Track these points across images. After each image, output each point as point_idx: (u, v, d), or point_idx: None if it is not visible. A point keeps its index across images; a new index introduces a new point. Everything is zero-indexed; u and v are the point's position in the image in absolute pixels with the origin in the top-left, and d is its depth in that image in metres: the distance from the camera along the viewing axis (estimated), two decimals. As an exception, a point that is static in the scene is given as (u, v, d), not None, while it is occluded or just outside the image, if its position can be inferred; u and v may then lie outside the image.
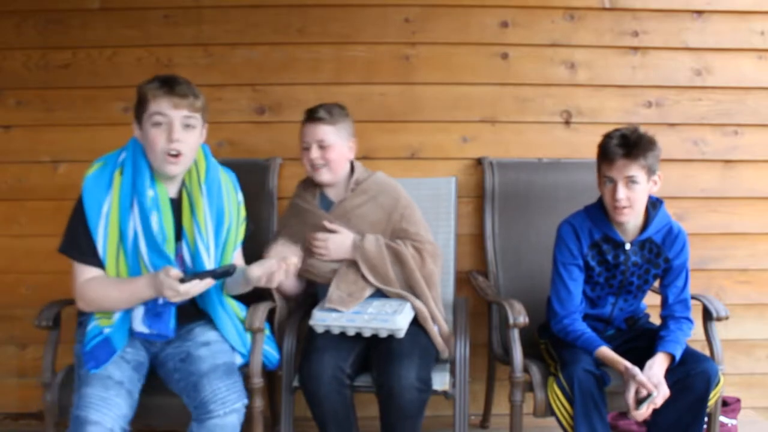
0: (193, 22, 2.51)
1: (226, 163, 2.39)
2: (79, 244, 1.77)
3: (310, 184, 2.16)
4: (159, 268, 1.72)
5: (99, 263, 1.77)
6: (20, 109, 2.53)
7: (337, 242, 2.03)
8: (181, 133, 1.74)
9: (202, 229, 1.82)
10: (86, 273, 1.77)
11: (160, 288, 1.67)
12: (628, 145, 1.87)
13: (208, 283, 1.72)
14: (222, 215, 1.87)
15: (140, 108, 1.76)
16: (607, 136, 1.94)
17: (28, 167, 2.54)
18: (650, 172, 1.90)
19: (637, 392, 1.79)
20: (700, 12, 2.56)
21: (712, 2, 2.56)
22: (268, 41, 2.52)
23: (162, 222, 1.77)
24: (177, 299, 1.69)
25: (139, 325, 1.78)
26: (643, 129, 1.93)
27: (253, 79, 2.53)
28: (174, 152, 1.74)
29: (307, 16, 2.52)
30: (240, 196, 1.96)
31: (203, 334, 1.85)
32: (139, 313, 1.77)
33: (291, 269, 1.79)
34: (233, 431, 1.72)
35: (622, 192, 1.88)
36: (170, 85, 1.74)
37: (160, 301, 1.75)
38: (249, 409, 1.86)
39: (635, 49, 2.57)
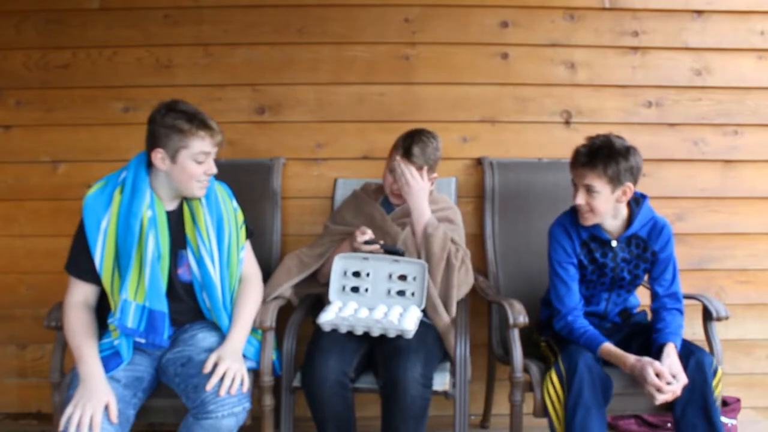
0: (193, 22, 2.51)
1: (228, 164, 2.41)
2: (78, 261, 1.85)
3: (377, 187, 2.27)
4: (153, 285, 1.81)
5: (95, 279, 1.84)
6: (20, 109, 2.53)
7: (417, 189, 2.09)
8: (213, 165, 1.89)
9: (204, 237, 1.90)
10: (78, 291, 1.86)
11: None
12: (589, 154, 1.90)
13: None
14: (222, 222, 1.93)
15: (177, 143, 1.81)
16: (584, 143, 1.96)
17: (28, 167, 2.54)
18: (615, 182, 1.89)
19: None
20: (700, 12, 2.56)
21: (712, 2, 2.56)
22: (268, 41, 2.53)
23: (158, 239, 1.83)
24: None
25: (136, 336, 1.83)
26: (619, 139, 1.92)
27: (253, 79, 2.53)
28: (206, 180, 1.89)
29: (306, 16, 2.52)
30: (235, 203, 2.02)
31: (205, 339, 1.88)
32: (134, 324, 1.80)
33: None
34: None
35: (580, 198, 1.93)
36: (208, 125, 1.84)
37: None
38: (260, 406, 1.89)
39: (635, 49, 2.57)
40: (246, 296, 1.97)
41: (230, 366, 1.75)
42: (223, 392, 1.69)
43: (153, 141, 1.82)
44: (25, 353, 2.62)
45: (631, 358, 1.83)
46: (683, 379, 1.80)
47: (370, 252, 2.06)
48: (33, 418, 2.61)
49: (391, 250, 2.06)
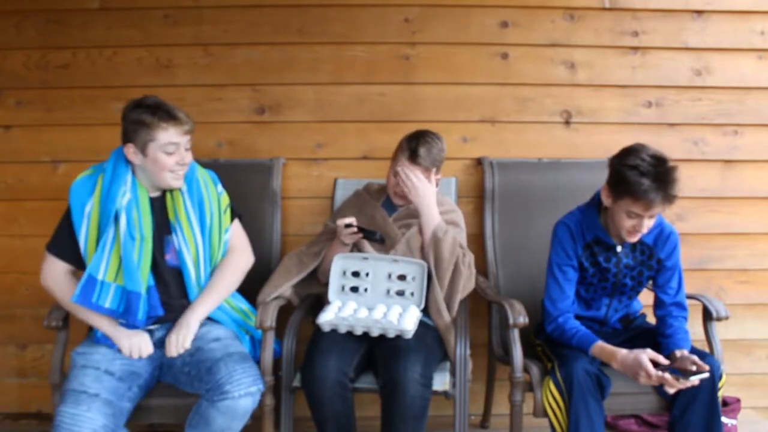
0: (193, 22, 2.51)
1: (228, 164, 2.42)
2: (60, 242, 1.92)
3: (379, 187, 2.27)
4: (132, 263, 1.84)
5: (77, 262, 1.90)
6: (20, 109, 2.53)
7: (425, 192, 2.08)
8: (186, 155, 1.91)
9: (183, 222, 1.93)
10: (57, 266, 1.91)
11: None
12: (665, 189, 1.77)
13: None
14: (203, 205, 1.97)
15: (144, 137, 1.85)
16: (636, 169, 1.78)
17: (28, 167, 2.54)
18: None
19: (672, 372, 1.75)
20: (700, 12, 2.56)
21: (712, 2, 2.56)
22: (267, 41, 2.52)
23: (138, 222, 1.87)
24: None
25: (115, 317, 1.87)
26: (662, 155, 1.80)
27: (253, 79, 2.53)
28: (181, 171, 1.91)
29: (306, 16, 2.52)
30: (220, 188, 2.05)
31: (210, 332, 1.91)
32: (113, 304, 1.85)
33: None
34: (245, 416, 1.76)
35: (646, 226, 1.86)
36: (173, 116, 1.86)
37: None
38: (260, 406, 1.87)
39: (635, 49, 2.56)
40: (221, 265, 2.00)
41: (176, 337, 1.84)
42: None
43: (125, 137, 1.88)
44: (25, 353, 2.62)
45: (622, 351, 1.81)
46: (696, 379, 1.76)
47: (351, 234, 2.05)
48: (33, 418, 2.61)
49: (368, 233, 2.05)
